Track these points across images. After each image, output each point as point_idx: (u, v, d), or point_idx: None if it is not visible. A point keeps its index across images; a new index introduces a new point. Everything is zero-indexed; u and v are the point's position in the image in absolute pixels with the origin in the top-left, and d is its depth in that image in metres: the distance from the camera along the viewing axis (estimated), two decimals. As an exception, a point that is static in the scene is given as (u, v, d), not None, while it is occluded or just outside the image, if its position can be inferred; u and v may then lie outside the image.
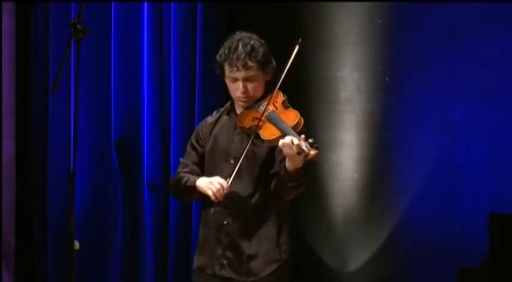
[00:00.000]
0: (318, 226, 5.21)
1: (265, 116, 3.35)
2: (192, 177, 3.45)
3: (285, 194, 3.35)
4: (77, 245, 3.15)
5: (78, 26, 3.11)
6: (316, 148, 3.14)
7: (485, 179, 4.90)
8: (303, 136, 3.17)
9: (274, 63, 3.48)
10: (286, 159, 3.24)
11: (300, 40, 3.38)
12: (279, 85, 3.39)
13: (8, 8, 5.32)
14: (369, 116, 5.14)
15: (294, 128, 3.29)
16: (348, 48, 5.17)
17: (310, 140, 3.15)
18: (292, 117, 3.34)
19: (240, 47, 3.39)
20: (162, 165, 5.15)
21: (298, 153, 3.14)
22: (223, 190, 3.32)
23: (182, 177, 3.49)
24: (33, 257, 5.40)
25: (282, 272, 3.44)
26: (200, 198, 3.51)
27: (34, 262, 5.39)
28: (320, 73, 5.17)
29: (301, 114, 3.38)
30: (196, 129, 3.64)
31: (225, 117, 3.52)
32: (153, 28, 5.16)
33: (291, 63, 3.38)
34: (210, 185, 3.35)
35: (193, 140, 3.58)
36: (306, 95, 5.16)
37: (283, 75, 3.38)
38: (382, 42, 5.11)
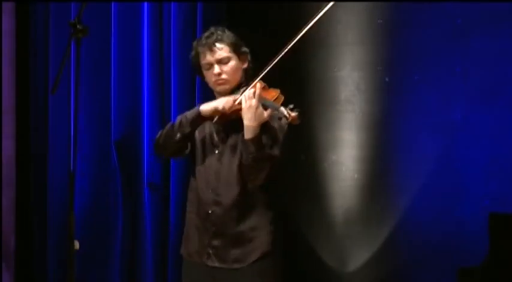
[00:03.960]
0: (318, 226, 5.21)
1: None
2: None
3: (247, 170, 3.37)
4: (77, 245, 3.15)
5: (78, 26, 3.12)
6: (295, 111, 3.27)
7: (485, 179, 4.90)
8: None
9: (247, 50, 3.55)
10: (244, 129, 3.31)
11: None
12: (269, 68, 3.42)
13: (8, 8, 5.32)
14: (369, 116, 5.14)
15: (275, 102, 3.37)
16: (348, 48, 5.17)
17: (291, 106, 3.28)
18: (272, 93, 3.40)
19: (209, 34, 3.51)
20: (162, 165, 5.15)
21: (279, 118, 3.30)
22: (232, 103, 3.38)
23: (174, 122, 3.55)
24: (33, 257, 5.40)
25: (267, 260, 3.46)
26: (193, 131, 3.52)
27: (34, 262, 5.40)
28: (320, 73, 5.18)
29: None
30: None
31: None
32: (153, 28, 5.16)
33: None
34: (217, 101, 3.44)
35: None
36: (306, 95, 5.16)
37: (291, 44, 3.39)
38: (382, 42, 5.11)
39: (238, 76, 3.49)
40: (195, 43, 3.57)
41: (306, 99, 5.14)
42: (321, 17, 3.35)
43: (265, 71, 3.41)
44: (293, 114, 3.26)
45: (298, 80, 5.12)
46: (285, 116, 3.26)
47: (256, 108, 3.30)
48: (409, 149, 5.07)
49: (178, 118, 3.56)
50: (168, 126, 3.57)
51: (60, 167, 5.28)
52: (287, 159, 5.06)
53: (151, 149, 5.17)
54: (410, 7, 5.00)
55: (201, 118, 3.48)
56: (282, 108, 3.28)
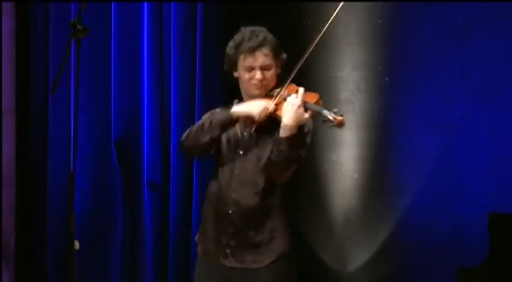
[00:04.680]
0: (318, 226, 5.21)
1: (284, 96, 3.36)
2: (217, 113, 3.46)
3: (274, 167, 3.34)
4: (77, 245, 3.15)
5: (78, 26, 3.11)
6: (341, 115, 3.24)
7: (485, 179, 4.91)
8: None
9: (285, 56, 3.50)
10: (281, 127, 3.28)
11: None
12: (299, 66, 3.38)
13: (8, 8, 5.32)
14: (369, 116, 5.14)
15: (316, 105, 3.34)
16: (348, 48, 5.17)
17: (335, 109, 3.26)
18: (312, 96, 3.37)
19: (255, 37, 3.42)
20: (162, 165, 5.15)
21: (323, 121, 3.24)
22: (268, 111, 3.34)
23: (204, 121, 3.48)
24: (33, 257, 5.40)
25: (285, 261, 3.44)
26: (222, 133, 3.46)
27: (34, 262, 5.40)
28: (320, 73, 5.17)
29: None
30: (209, 112, 3.60)
31: None
32: (153, 28, 5.16)
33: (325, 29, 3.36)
34: (252, 106, 3.37)
35: (209, 115, 3.56)
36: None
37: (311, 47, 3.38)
38: (382, 42, 5.11)
39: (274, 82, 3.47)
40: (238, 38, 3.45)
41: (306, 99, 5.14)
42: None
43: (295, 71, 3.39)
44: (339, 117, 3.23)
45: (298, 80, 5.11)
46: (329, 120, 3.23)
47: (298, 107, 3.27)
48: (409, 149, 5.07)
49: (207, 119, 3.48)
50: (197, 126, 3.49)
51: (60, 167, 5.28)
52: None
53: (151, 148, 5.17)
54: (410, 7, 5.01)
55: (232, 122, 3.43)
56: (326, 111, 3.24)
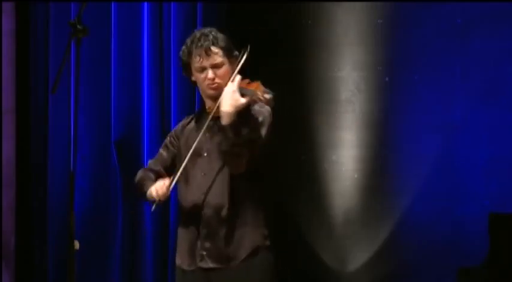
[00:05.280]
0: (318, 226, 5.21)
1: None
2: (150, 183, 3.52)
3: (226, 157, 3.35)
4: (77, 245, 3.15)
5: (78, 26, 3.11)
6: (271, 94, 3.33)
7: (485, 179, 4.91)
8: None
9: (237, 53, 3.51)
10: (221, 116, 3.31)
11: (248, 48, 3.40)
12: (238, 68, 3.40)
13: (8, 8, 5.32)
14: (369, 116, 5.15)
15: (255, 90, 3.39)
16: (348, 48, 5.17)
17: (267, 90, 3.33)
18: (254, 84, 3.40)
19: (203, 36, 3.46)
20: (162, 165, 5.15)
21: (254, 101, 3.31)
22: (165, 189, 3.38)
23: (144, 180, 3.56)
24: (33, 257, 5.40)
25: (261, 254, 3.44)
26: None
27: (34, 262, 5.39)
28: (320, 73, 5.18)
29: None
30: (169, 133, 3.69)
31: (196, 118, 3.58)
32: (153, 28, 5.16)
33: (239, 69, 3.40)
34: (154, 187, 3.45)
35: (166, 141, 3.64)
36: (306, 95, 5.16)
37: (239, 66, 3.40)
38: (382, 42, 5.11)
39: (228, 80, 3.48)
40: (188, 42, 3.50)
41: (306, 99, 5.14)
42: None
43: (238, 68, 3.41)
44: (266, 96, 3.30)
45: (298, 80, 5.12)
46: (259, 98, 3.30)
47: (233, 93, 3.30)
48: (409, 149, 5.07)
49: (145, 178, 3.59)
50: (136, 181, 3.61)
51: (60, 167, 5.28)
52: (287, 159, 5.13)
53: (151, 149, 5.17)
54: (410, 7, 5.01)
55: (149, 199, 3.53)
56: (258, 92, 3.30)
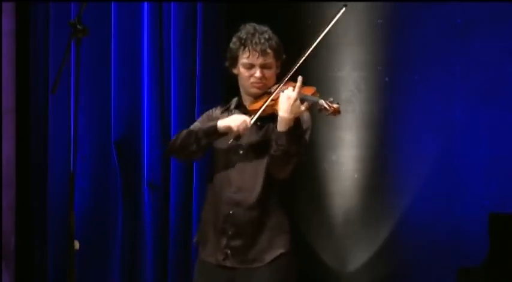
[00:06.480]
0: (318, 226, 5.21)
1: (283, 90, 3.35)
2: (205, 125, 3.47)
3: (275, 162, 3.34)
4: (77, 245, 3.15)
5: (78, 26, 3.11)
6: (337, 103, 3.26)
7: (485, 179, 4.91)
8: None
9: (284, 57, 3.50)
10: (278, 121, 3.28)
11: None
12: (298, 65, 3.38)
13: (8, 8, 5.32)
14: (369, 116, 5.15)
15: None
16: (348, 48, 5.18)
17: (331, 99, 3.27)
18: (309, 89, 3.38)
19: (259, 34, 3.42)
20: (162, 165, 5.15)
21: (319, 110, 3.26)
22: (247, 124, 3.34)
23: (192, 130, 3.48)
24: (33, 257, 5.40)
25: (286, 259, 3.44)
26: (210, 144, 3.47)
27: (34, 262, 5.40)
28: (320, 73, 5.18)
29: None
30: (205, 113, 3.61)
31: (233, 112, 3.52)
32: (153, 28, 5.16)
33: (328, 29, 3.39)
34: (232, 120, 3.37)
35: (204, 116, 3.58)
36: (306, 95, 5.16)
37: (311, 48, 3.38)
38: (382, 42, 5.11)
39: (273, 82, 3.47)
40: (242, 35, 3.43)
41: (306, 99, 5.14)
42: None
43: (294, 69, 3.39)
44: (335, 105, 3.25)
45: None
46: (325, 108, 3.24)
47: (295, 100, 3.27)
48: (409, 149, 5.07)
49: (196, 128, 3.49)
50: (184, 133, 3.49)
51: (60, 167, 5.28)
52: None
53: (151, 148, 5.17)
54: (410, 7, 5.01)
55: (217, 134, 3.42)
56: (322, 101, 3.25)
